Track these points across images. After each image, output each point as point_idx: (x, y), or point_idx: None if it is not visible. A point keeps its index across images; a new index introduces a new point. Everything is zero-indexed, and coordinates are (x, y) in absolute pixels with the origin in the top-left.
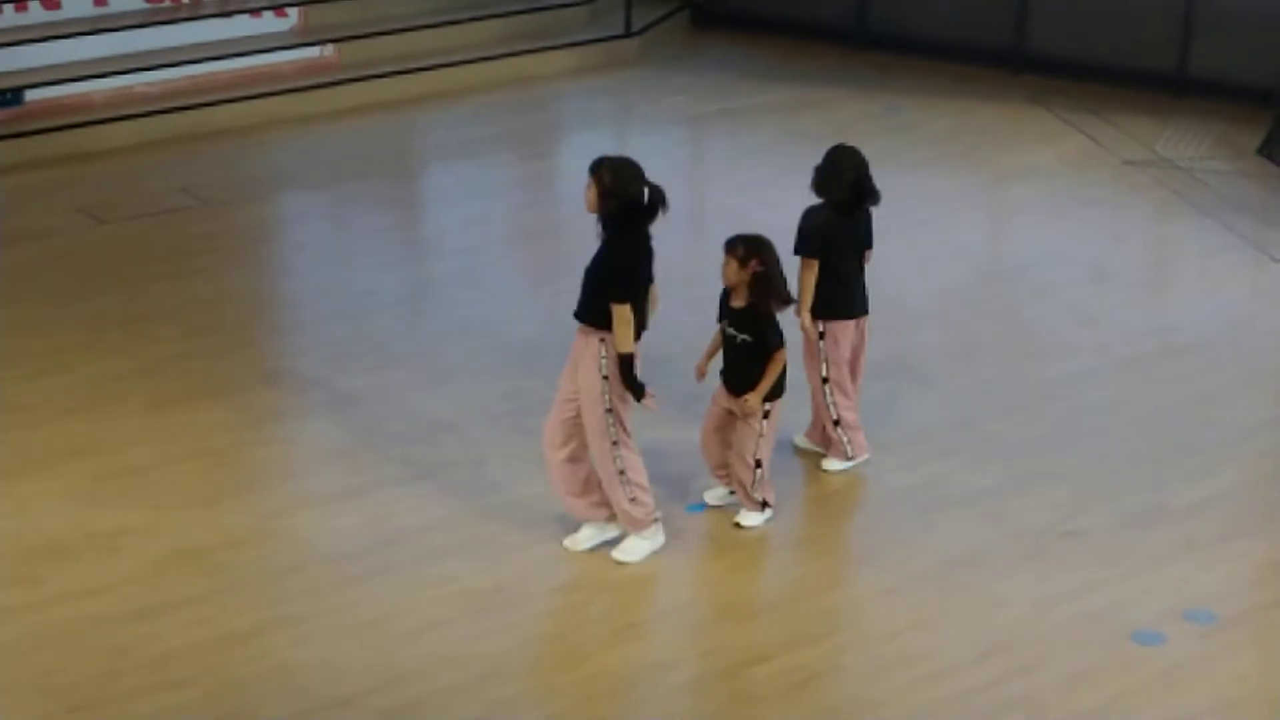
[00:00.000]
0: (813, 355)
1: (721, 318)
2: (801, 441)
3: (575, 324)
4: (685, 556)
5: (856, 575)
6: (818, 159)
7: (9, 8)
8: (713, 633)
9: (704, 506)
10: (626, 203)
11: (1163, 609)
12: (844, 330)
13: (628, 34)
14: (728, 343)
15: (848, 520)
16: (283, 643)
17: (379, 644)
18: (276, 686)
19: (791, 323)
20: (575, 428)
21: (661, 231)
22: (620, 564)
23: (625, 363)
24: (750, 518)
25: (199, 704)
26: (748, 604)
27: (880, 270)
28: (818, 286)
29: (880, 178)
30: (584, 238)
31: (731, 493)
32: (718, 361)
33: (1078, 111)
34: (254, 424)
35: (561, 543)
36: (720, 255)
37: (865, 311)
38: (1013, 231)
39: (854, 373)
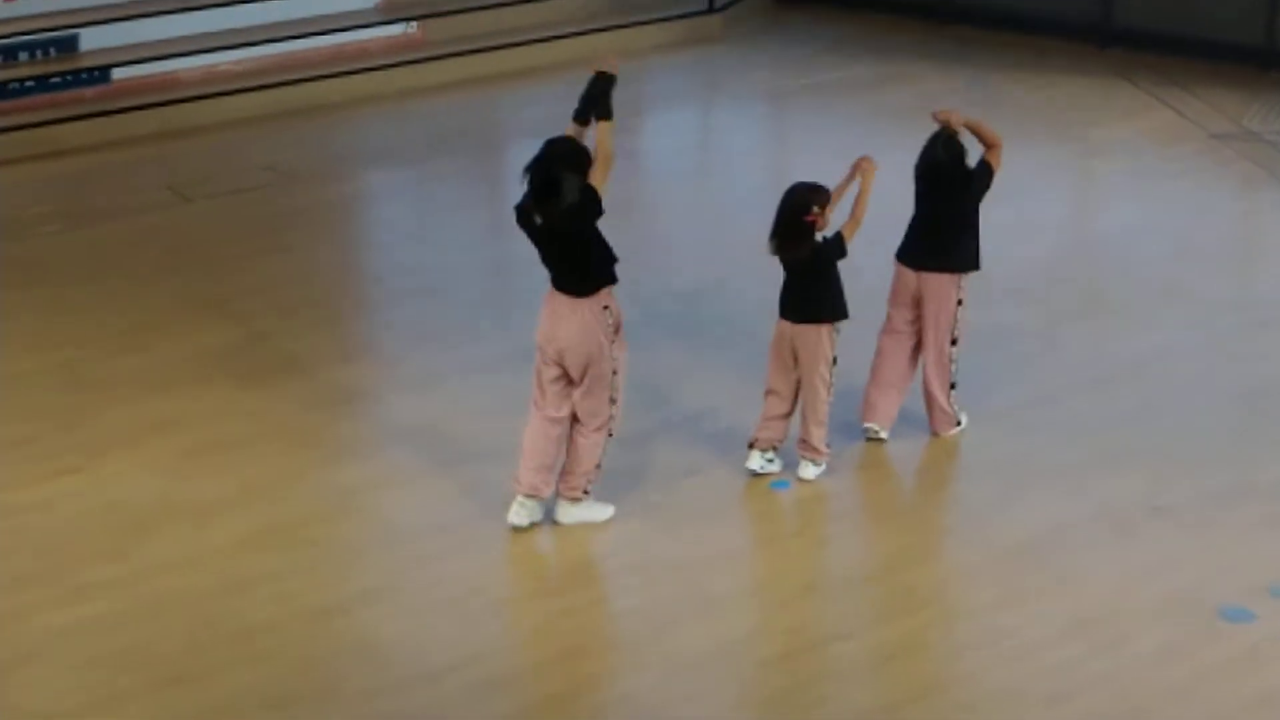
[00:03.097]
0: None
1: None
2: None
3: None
4: (769, 532)
5: (941, 550)
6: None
7: None
8: (796, 609)
9: (788, 484)
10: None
11: (1250, 585)
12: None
13: (711, 9)
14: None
15: (932, 495)
16: (368, 617)
17: (464, 619)
18: (361, 661)
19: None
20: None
21: (743, 208)
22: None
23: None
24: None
25: (284, 678)
26: (831, 580)
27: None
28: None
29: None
30: (670, 212)
31: (770, 460)
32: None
33: (1163, 85)
34: (340, 399)
35: (626, 520)
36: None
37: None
38: (1098, 206)
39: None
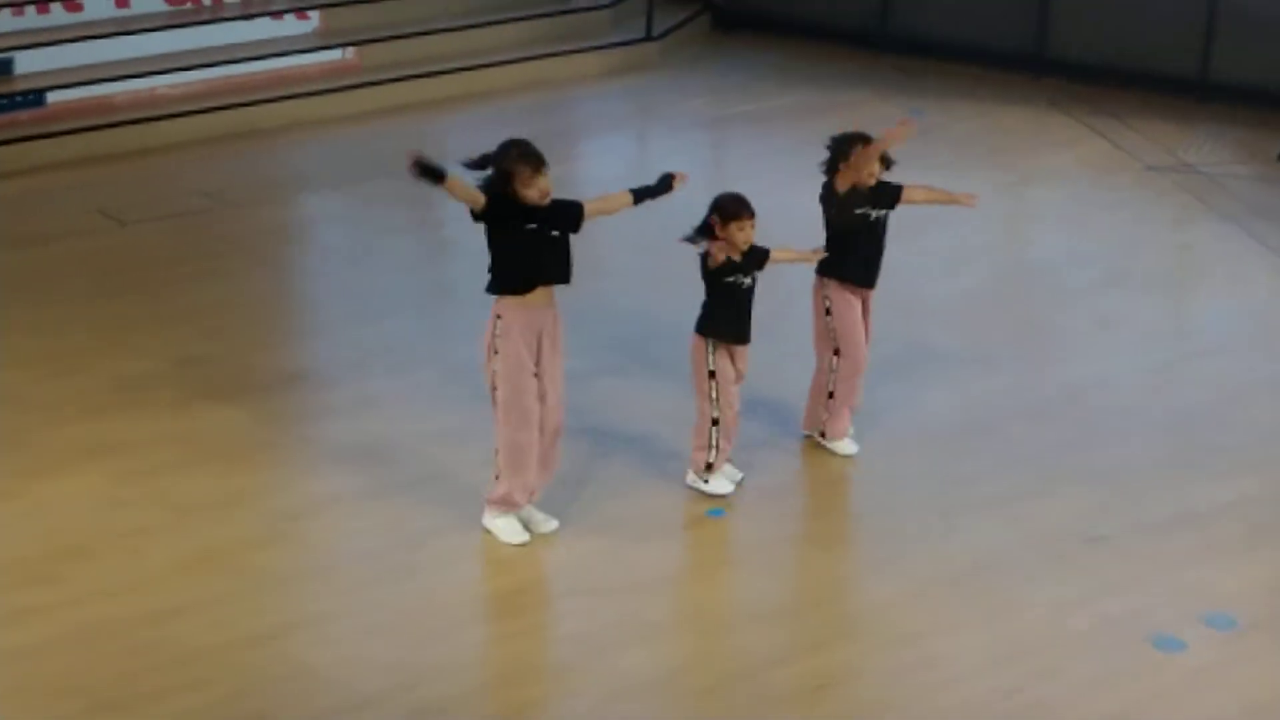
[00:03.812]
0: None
1: (728, 275)
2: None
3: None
4: (704, 560)
5: (877, 578)
6: None
7: (31, 9)
8: (732, 636)
9: (723, 511)
10: None
11: (1184, 614)
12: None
13: (649, 38)
14: (743, 295)
15: (868, 523)
16: (304, 644)
17: (401, 645)
18: (298, 688)
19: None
20: None
21: (679, 233)
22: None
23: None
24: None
25: (221, 705)
26: (766, 607)
27: (899, 272)
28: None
29: (901, 179)
30: (607, 238)
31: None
32: None
33: (1099, 116)
34: (275, 425)
35: (567, 545)
36: None
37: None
38: (1033, 235)
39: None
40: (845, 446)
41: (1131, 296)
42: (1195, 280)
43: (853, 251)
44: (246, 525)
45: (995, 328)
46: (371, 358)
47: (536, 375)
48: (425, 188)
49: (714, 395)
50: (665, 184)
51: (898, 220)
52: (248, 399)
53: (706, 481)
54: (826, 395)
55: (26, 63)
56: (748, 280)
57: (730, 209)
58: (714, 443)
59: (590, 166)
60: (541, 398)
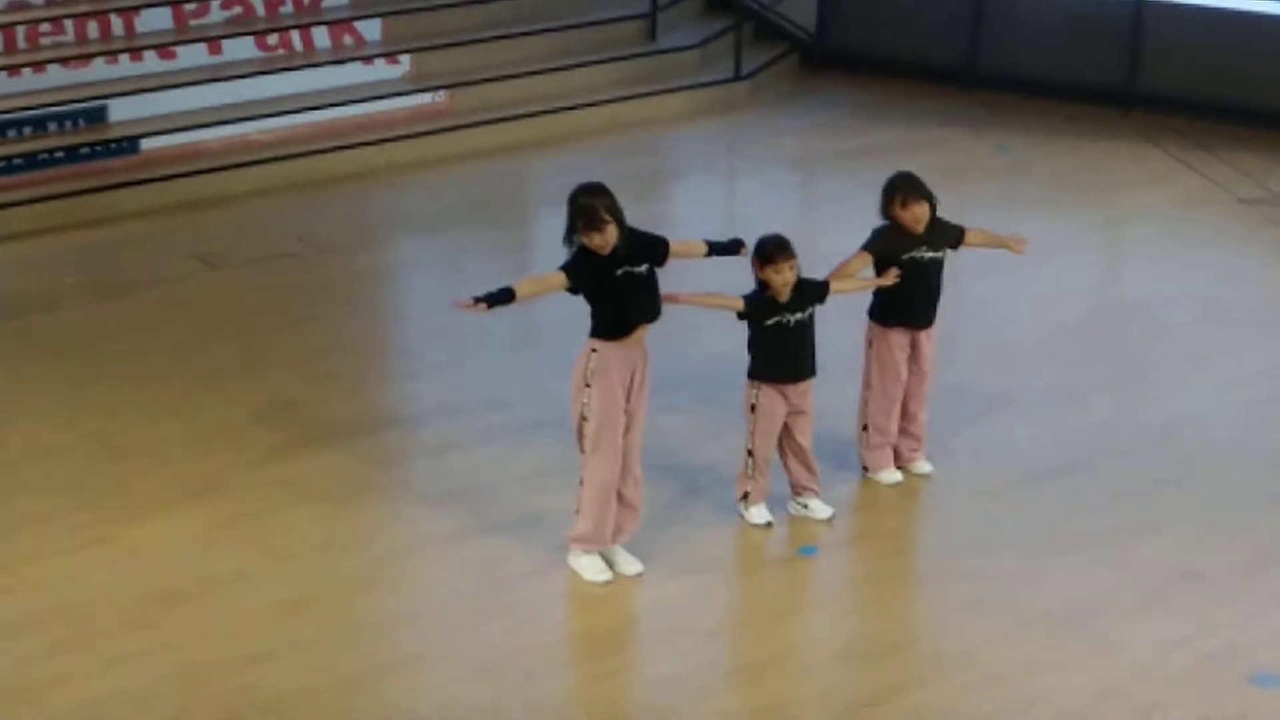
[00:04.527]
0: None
1: (768, 318)
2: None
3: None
4: (796, 599)
5: (970, 618)
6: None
7: (124, 58)
8: (827, 675)
9: (816, 549)
10: None
11: None
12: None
13: (738, 77)
14: (790, 333)
15: (962, 561)
16: (399, 687)
17: (494, 688)
18: None
19: None
20: None
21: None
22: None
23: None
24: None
25: None
26: (861, 646)
27: (993, 309)
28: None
29: (992, 217)
30: (697, 277)
31: (804, 505)
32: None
33: (1190, 150)
34: (367, 470)
35: (657, 585)
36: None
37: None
38: (1126, 271)
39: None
40: (887, 476)
41: (1226, 332)
42: None
43: (898, 293)
44: (341, 569)
45: (1090, 364)
46: (463, 401)
47: (626, 412)
48: (516, 232)
49: (751, 428)
50: (735, 247)
51: (994, 258)
52: (341, 443)
53: (746, 510)
54: (861, 428)
55: (120, 110)
56: (795, 318)
57: (765, 251)
58: (749, 473)
59: (678, 207)
60: (626, 433)
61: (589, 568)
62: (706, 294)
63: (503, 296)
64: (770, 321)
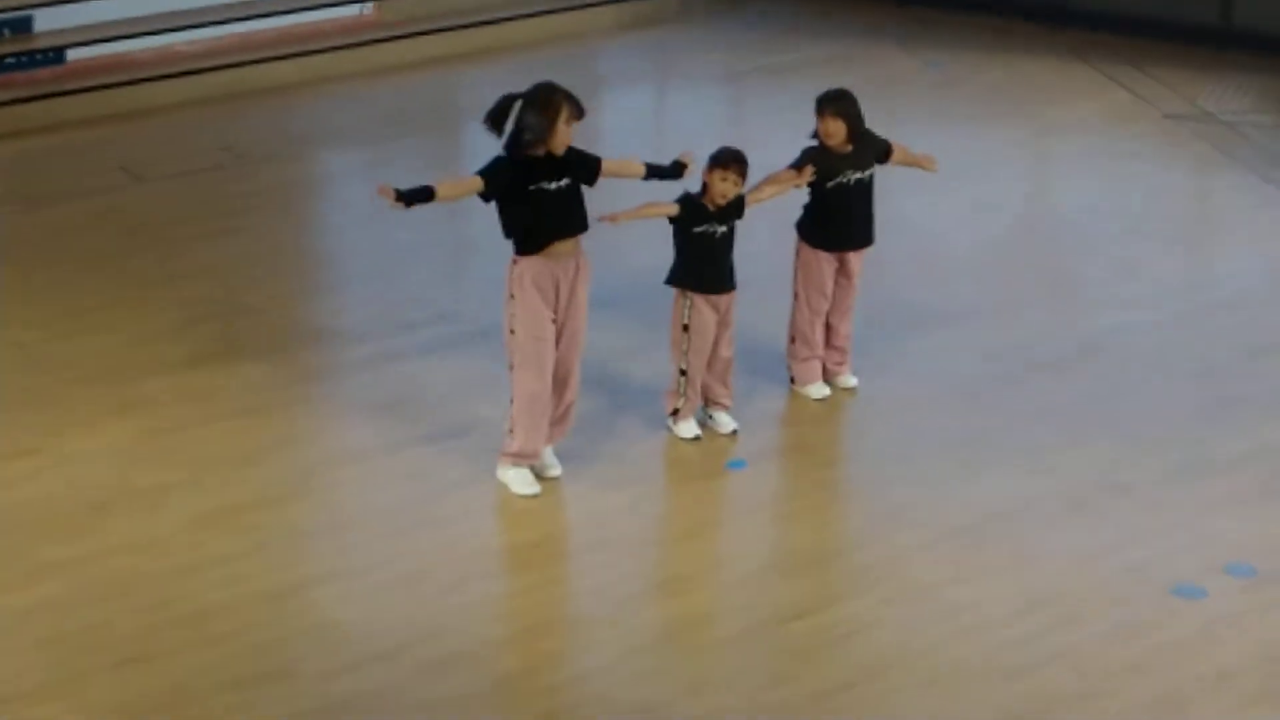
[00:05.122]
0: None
1: (697, 224)
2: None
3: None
4: (724, 512)
5: (898, 528)
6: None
7: None
8: (753, 587)
9: (744, 464)
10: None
11: (1204, 563)
12: None
13: None
14: (716, 244)
15: (888, 473)
16: (325, 598)
17: (419, 599)
18: (316, 642)
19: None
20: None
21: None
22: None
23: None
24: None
25: (241, 659)
26: (788, 558)
27: (922, 224)
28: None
29: (922, 132)
30: (620, 193)
31: (710, 417)
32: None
33: (1119, 65)
34: (295, 381)
35: (587, 499)
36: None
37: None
38: (1054, 185)
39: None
40: (814, 390)
41: (1153, 247)
42: (1216, 230)
43: (826, 219)
44: (267, 481)
45: (1017, 279)
46: (392, 313)
47: (556, 324)
48: (445, 143)
49: (685, 348)
50: (676, 170)
51: (923, 174)
52: (267, 355)
53: (675, 425)
54: (789, 340)
55: (46, 20)
56: (720, 230)
57: (722, 158)
58: (681, 390)
59: (609, 120)
60: (557, 345)
61: (517, 480)
62: (641, 206)
63: (422, 195)
64: (699, 229)
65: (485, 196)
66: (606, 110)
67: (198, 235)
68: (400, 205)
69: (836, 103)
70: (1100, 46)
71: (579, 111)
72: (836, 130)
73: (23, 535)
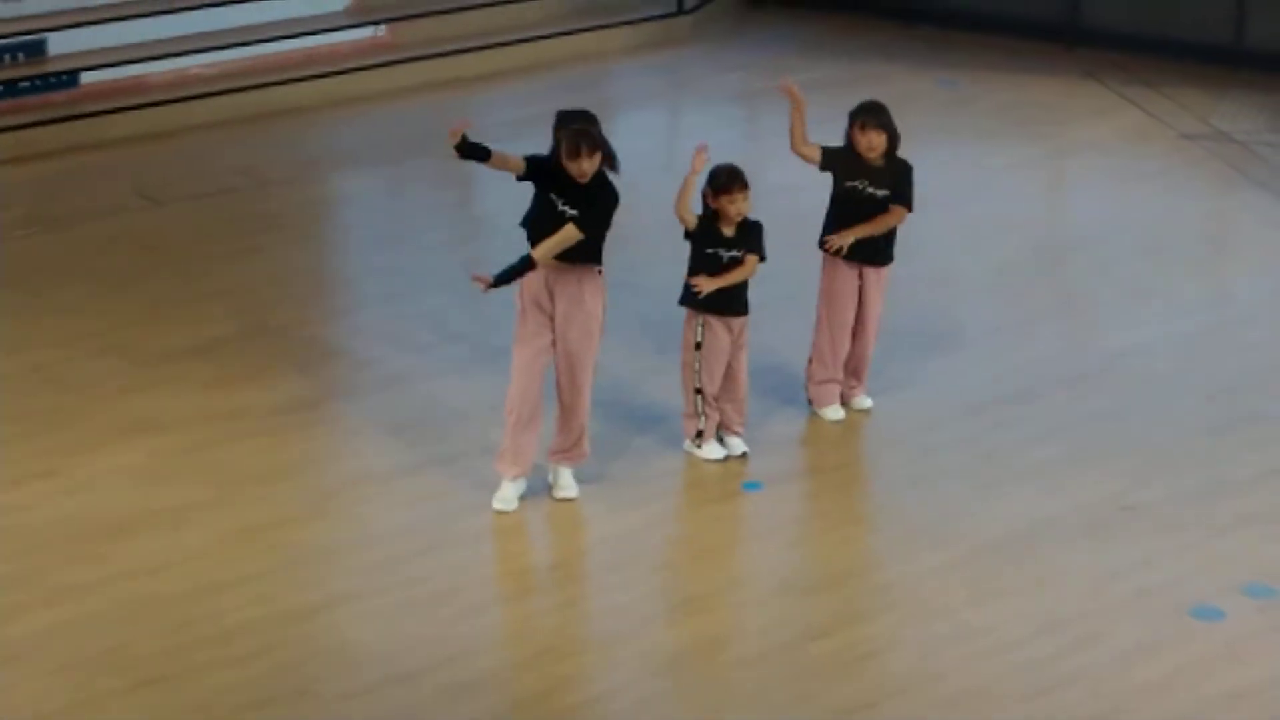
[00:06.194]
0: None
1: (709, 245)
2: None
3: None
4: (741, 533)
5: (915, 550)
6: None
7: None
8: (772, 608)
9: (761, 485)
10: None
11: (1221, 583)
12: None
13: (680, 11)
14: (724, 266)
15: (906, 495)
16: (344, 619)
17: (438, 620)
18: (337, 663)
19: None
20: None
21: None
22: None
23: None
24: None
25: (262, 679)
26: (806, 579)
27: (936, 243)
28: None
29: (935, 152)
30: (640, 211)
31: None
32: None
33: (1132, 85)
34: (313, 402)
35: (604, 520)
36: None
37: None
38: (1068, 206)
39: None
40: (830, 413)
41: (1167, 266)
42: (1230, 249)
43: (838, 216)
44: (286, 501)
45: (1032, 298)
46: (407, 334)
47: (549, 335)
48: (461, 165)
49: (697, 366)
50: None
51: (938, 192)
52: (286, 376)
53: (699, 447)
54: (809, 361)
55: (60, 43)
56: (729, 255)
57: (719, 180)
58: (700, 410)
59: (623, 141)
60: (558, 360)
61: (499, 492)
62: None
63: (479, 152)
64: (708, 251)
65: (521, 177)
66: (621, 130)
67: (215, 257)
68: (459, 151)
69: (881, 115)
70: (1114, 66)
71: (572, 151)
72: (879, 143)
73: (43, 557)
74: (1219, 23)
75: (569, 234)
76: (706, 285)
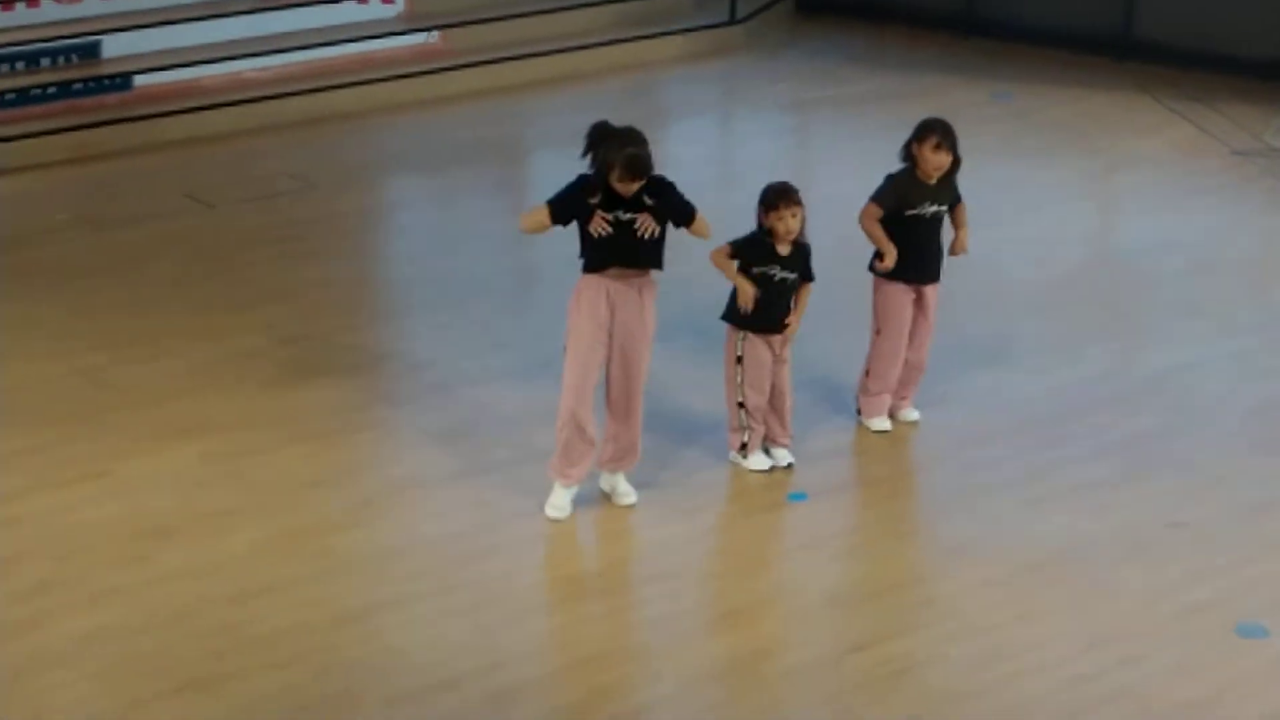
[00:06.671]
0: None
1: (757, 264)
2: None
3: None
4: (786, 544)
5: (961, 565)
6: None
7: None
8: (815, 620)
9: (805, 496)
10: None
11: (1267, 602)
12: None
13: (733, 21)
14: (772, 287)
15: (952, 509)
16: (387, 625)
17: (483, 628)
18: (381, 668)
19: None
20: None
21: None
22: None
23: None
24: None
25: (304, 685)
26: (849, 592)
27: (987, 258)
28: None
29: (988, 165)
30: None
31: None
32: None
33: (1185, 100)
34: (360, 407)
35: (649, 529)
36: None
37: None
38: (1121, 221)
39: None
40: (876, 424)
41: (1219, 283)
42: None
43: (898, 245)
44: (331, 506)
45: (1082, 314)
46: (458, 340)
47: (607, 346)
48: (512, 172)
49: (739, 380)
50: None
51: (989, 208)
52: (334, 381)
53: (744, 459)
54: (864, 373)
55: (114, 46)
56: (780, 275)
57: (768, 199)
58: (744, 424)
59: (675, 150)
60: (610, 370)
61: (553, 497)
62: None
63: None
64: (757, 270)
65: (555, 218)
66: (673, 140)
67: (265, 261)
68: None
69: (948, 135)
70: (1165, 81)
71: (637, 174)
72: (943, 163)
73: (85, 560)
74: (1272, 37)
75: (700, 227)
76: (793, 320)
